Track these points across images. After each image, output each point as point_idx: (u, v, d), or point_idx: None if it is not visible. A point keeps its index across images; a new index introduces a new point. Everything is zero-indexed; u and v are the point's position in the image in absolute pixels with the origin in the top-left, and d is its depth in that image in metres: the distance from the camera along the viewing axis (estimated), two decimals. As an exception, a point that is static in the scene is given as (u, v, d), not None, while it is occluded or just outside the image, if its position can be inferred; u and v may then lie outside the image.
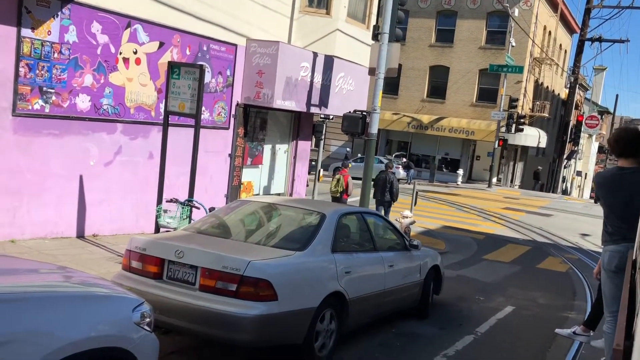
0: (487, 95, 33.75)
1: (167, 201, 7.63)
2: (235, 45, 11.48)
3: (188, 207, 7.38)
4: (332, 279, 5.47)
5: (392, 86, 36.60)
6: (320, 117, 20.46)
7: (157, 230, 7.68)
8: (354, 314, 5.82)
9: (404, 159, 32.37)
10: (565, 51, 43.86)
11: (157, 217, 7.52)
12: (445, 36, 34.95)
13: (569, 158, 43.41)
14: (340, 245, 5.85)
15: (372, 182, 12.24)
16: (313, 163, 19.48)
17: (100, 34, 8.88)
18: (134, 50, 9.46)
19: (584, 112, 44.31)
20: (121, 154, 9.56)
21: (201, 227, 5.85)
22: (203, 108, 10.92)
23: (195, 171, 7.60)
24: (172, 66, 7.53)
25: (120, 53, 9.25)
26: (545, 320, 8.42)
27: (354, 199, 14.81)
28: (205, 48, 10.80)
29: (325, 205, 6.88)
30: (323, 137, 18.50)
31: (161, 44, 9.90)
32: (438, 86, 35.37)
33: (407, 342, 6.65)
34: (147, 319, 3.55)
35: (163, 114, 7.86)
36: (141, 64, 9.61)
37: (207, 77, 10.88)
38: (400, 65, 36.86)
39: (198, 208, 7.44)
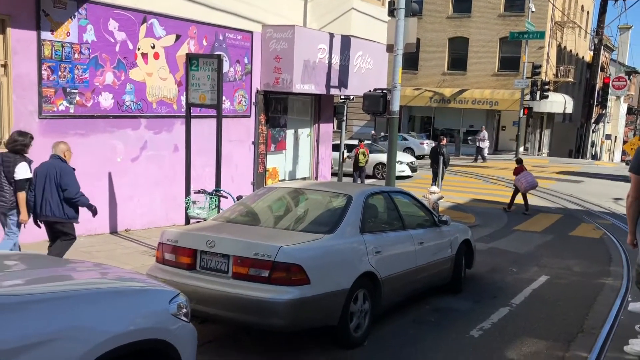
0: (509, 63, 33.09)
1: (195, 192, 7.72)
2: (251, 32, 11.47)
3: (216, 197, 7.47)
4: (363, 260, 5.48)
5: (411, 61, 36.13)
6: (341, 99, 20.39)
7: (187, 221, 7.79)
8: (387, 293, 5.83)
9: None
10: (588, 12, 42.64)
11: (187, 208, 7.62)
12: (463, 6, 34.28)
13: (597, 122, 42.47)
14: (368, 225, 5.85)
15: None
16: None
17: (117, 31, 8.96)
18: (152, 45, 9.52)
19: (610, 74, 43.18)
20: (147, 149, 9.69)
21: (230, 216, 5.91)
22: (224, 98, 10.99)
23: (220, 161, 7.66)
24: (190, 58, 7.57)
25: (139, 49, 9.32)
26: (581, 288, 8.32)
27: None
28: (221, 37, 10.81)
29: (351, 186, 6.88)
30: (345, 118, 18.45)
31: (178, 37, 9.95)
32: (458, 58, 34.80)
33: (442, 317, 6.65)
34: (184, 310, 3.62)
35: (185, 107, 7.92)
36: (160, 58, 9.68)
37: (226, 67, 10.91)
38: (418, 40, 36.16)
39: (226, 197, 7.52)
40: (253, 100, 11.73)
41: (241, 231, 5.44)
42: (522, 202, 14.95)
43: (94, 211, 6.71)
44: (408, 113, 36.17)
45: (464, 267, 7.88)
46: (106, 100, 8.95)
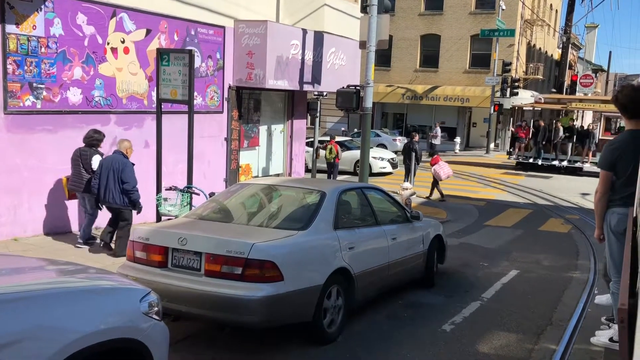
0: (480, 61, 33.53)
1: (166, 189, 7.63)
2: (224, 27, 11.37)
3: (188, 194, 7.39)
4: (337, 256, 5.50)
5: (384, 58, 36.29)
6: (314, 95, 20.39)
7: (158, 219, 7.69)
8: (361, 288, 5.86)
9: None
10: (557, 11, 43.46)
11: (158, 206, 7.53)
12: (435, 4, 34.58)
13: (565, 119, 43.29)
14: (342, 221, 5.86)
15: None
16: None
17: (86, 25, 8.78)
18: (122, 40, 9.36)
19: (577, 72, 44.11)
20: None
21: (202, 213, 5.85)
22: (195, 93, 10.88)
23: (192, 157, 7.59)
24: (161, 53, 7.46)
25: (108, 43, 9.15)
26: (550, 281, 8.49)
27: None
28: (193, 32, 10.69)
29: (325, 183, 6.89)
30: (318, 114, 18.46)
31: (148, 31, 9.80)
32: (430, 55, 35.11)
33: (414, 312, 6.71)
34: (155, 308, 3.58)
35: (156, 102, 7.81)
36: (130, 53, 9.52)
37: (197, 62, 10.79)
38: (390, 37, 36.55)
39: (198, 194, 7.45)
40: (225, 96, 11.63)
41: (213, 228, 5.40)
42: (493, 197, 15.16)
43: (139, 209, 7.85)
44: (381, 109, 36.37)
45: (436, 262, 7.96)
46: (75, 96, 8.77)
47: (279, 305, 4.81)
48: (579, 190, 18.91)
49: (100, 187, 7.58)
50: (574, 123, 25.10)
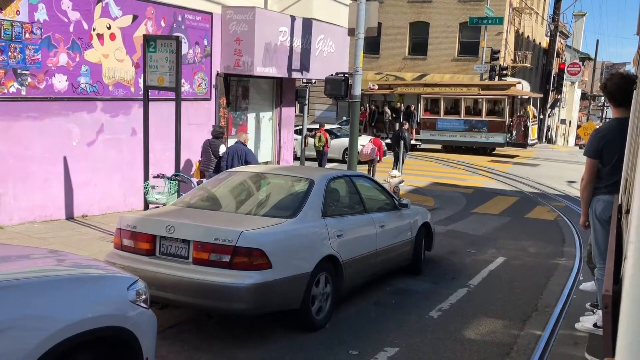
0: (469, 49, 33.52)
1: (153, 177, 7.58)
2: (211, 13, 11.26)
3: (175, 182, 7.35)
4: (325, 243, 5.51)
5: (373, 45, 36.17)
6: (303, 82, 20.31)
7: (146, 207, 7.66)
8: (349, 275, 5.89)
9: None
10: (545, -1, 43.51)
11: (145, 193, 7.49)
12: (424, -9, 34.46)
13: (552, 107, 43.58)
14: (330, 209, 5.87)
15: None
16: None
17: (71, 10, 8.65)
18: (108, 26, 9.24)
19: (565, 60, 44.30)
20: (104, 132, 9.46)
21: (190, 201, 5.83)
22: (183, 80, 10.79)
23: (180, 145, 7.55)
24: (148, 40, 7.38)
25: (94, 29, 9.04)
26: (536, 268, 8.58)
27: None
28: (180, 18, 10.58)
29: (313, 171, 6.88)
30: (307, 102, 18.41)
31: (135, 17, 9.68)
32: (419, 43, 35.04)
33: (402, 298, 6.76)
34: (143, 296, 3.57)
35: (142, 89, 7.74)
36: (116, 39, 9.41)
37: (185, 48, 10.70)
38: (379, 24, 36.38)
39: (185, 182, 7.41)
40: (213, 83, 11.56)
41: (202, 216, 5.39)
42: (480, 185, 15.24)
43: None
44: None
45: (424, 249, 8.01)
46: (60, 82, 8.66)
47: (267, 293, 4.83)
48: (566, 178, 19.05)
49: (228, 167, 9.04)
50: (400, 105, 26.73)
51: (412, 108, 25.80)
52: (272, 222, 5.17)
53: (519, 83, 27.02)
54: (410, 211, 7.52)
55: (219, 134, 10.33)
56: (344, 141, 19.96)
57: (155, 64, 7.34)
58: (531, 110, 24.79)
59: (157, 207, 6.98)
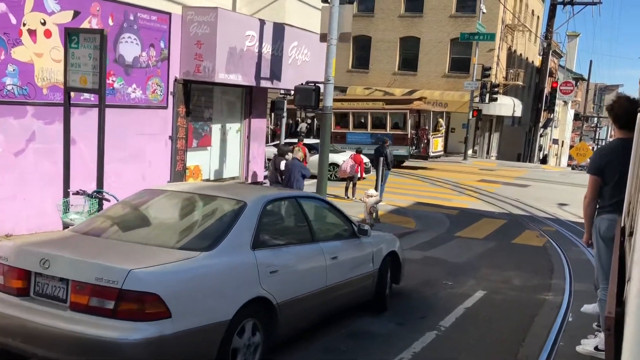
0: (460, 65, 32.76)
1: (73, 193, 6.49)
2: (170, 13, 10.26)
3: (96, 200, 6.26)
4: (252, 282, 4.43)
5: (362, 60, 35.41)
6: (281, 93, 19.32)
7: (65, 229, 6.55)
8: (287, 320, 4.81)
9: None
10: (538, 17, 42.98)
11: (62, 212, 6.39)
12: (415, 5, 33.76)
13: (545, 126, 42.83)
14: (264, 239, 4.80)
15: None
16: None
17: (-5, 2, 7.62)
18: (42, 21, 8.20)
19: (558, 79, 43.66)
20: (35, 141, 8.37)
21: (89, 226, 4.73)
22: (134, 86, 9.78)
23: (103, 157, 6.49)
24: (70, 33, 6.32)
25: (24, 24, 7.99)
26: (519, 305, 7.54)
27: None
28: (132, 17, 9.56)
29: (250, 191, 5.80)
30: (285, 114, 17.44)
31: (76, 13, 8.65)
32: (409, 58, 34.28)
33: (358, 344, 5.67)
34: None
35: (64, 92, 6.67)
36: (52, 37, 8.36)
37: (137, 50, 9.69)
38: (369, 38, 35.83)
39: (108, 200, 6.33)
40: (171, 89, 10.52)
41: (90, 247, 4.29)
42: (466, 206, 14.26)
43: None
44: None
45: (390, 282, 6.94)
46: (-18, 83, 7.60)
47: (165, 350, 3.73)
48: (557, 201, 18.08)
49: (289, 181, 10.97)
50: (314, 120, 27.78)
51: (307, 121, 26.78)
52: (180, 256, 4.09)
53: (424, 98, 27.92)
54: (373, 239, 6.45)
55: (283, 152, 11.91)
56: (326, 157, 18.90)
57: (78, 61, 6.28)
58: (440, 123, 25.52)
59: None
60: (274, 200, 5.21)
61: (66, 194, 6.54)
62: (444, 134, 25.65)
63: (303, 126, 26.42)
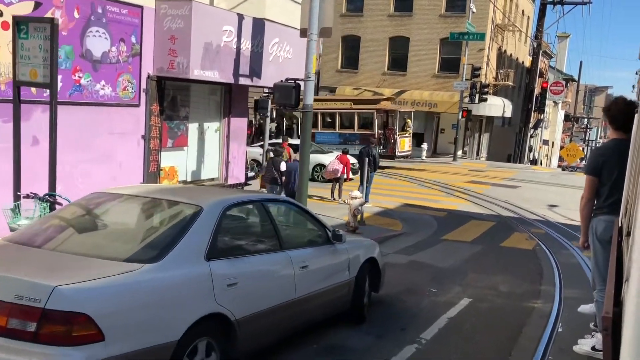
0: (449, 65, 32.43)
1: (23, 197, 5.98)
2: (141, 6, 9.75)
3: (48, 204, 5.76)
4: (206, 297, 3.96)
5: (352, 60, 35.00)
6: (265, 92, 18.82)
7: (15, 234, 6.03)
8: (248, 337, 4.34)
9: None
10: (528, 17, 42.76)
11: (11, 217, 5.88)
12: (404, 5, 33.41)
13: (535, 127, 42.59)
14: (222, 248, 4.32)
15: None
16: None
17: (-54, -10, 7.10)
18: (-1, 12, 7.68)
19: (548, 80, 43.46)
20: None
21: (24, 234, 4.23)
22: (103, 82, 9.28)
23: (55, 157, 5.98)
24: (19, 22, 5.82)
25: (-21, 15, 7.47)
26: (506, 314, 7.11)
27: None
28: (100, 10, 9.05)
29: (210, 194, 5.31)
30: (269, 113, 16.93)
31: (38, 5, 8.13)
32: (399, 58, 33.92)
33: (331, 361, 5.22)
34: None
35: (13, 87, 6.16)
36: (10, 30, 7.82)
37: (106, 45, 9.19)
38: (359, 38, 35.40)
39: (61, 204, 5.82)
40: (143, 86, 10.00)
41: (17, 259, 3.79)
42: (455, 208, 13.85)
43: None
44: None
45: (369, 291, 6.48)
46: None
47: (97, 378, 3.25)
48: (547, 202, 17.72)
49: (290, 180, 11.50)
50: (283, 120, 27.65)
51: (294, 122, 26.26)
52: (119, 269, 3.60)
53: (392, 98, 27.72)
54: (349, 245, 5.99)
55: (279, 154, 12.35)
56: (314, 158, 18.43)
57: (28, 53, 5.78)
58: (408, 124, 25.37)
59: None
60: (236, 205, 4.72)
61: (16, 198, 6.02)
62: (411, 134, 25.40)
63: (273, 126, 25.86)
